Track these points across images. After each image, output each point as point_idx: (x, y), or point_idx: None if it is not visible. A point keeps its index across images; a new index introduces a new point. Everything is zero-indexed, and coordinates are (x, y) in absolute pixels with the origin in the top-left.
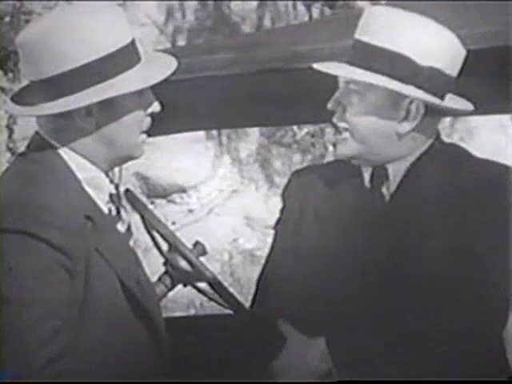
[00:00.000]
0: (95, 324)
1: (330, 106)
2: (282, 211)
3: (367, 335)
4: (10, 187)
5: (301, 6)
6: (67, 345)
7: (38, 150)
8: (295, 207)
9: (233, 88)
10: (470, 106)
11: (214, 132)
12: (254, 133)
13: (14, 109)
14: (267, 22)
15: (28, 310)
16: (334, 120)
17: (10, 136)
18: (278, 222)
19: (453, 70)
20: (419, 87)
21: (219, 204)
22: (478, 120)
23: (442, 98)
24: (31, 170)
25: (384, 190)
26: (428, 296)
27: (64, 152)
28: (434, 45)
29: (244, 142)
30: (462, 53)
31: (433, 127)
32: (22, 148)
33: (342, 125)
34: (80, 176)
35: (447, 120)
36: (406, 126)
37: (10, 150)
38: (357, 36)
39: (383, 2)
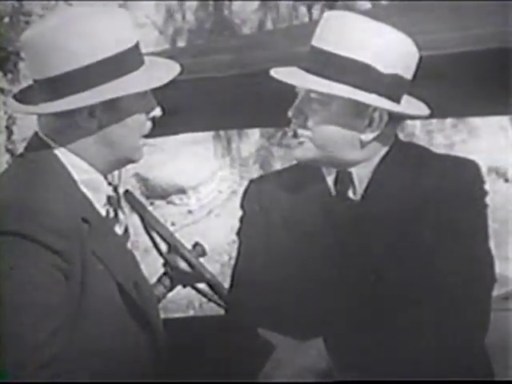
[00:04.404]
0: (92, 326)
1: (290, 114)
2: (241, 220)
3: (345, 336)
4: (7, 189)
5: (301, 7)
6: (65, 346)
7: (36, 151)
8: (258, 215)
9: (232, 89)
10: (426, 110)
11: (214, 133)
12: (254, 134)
13: (17, 107)
14: (268, 24)
15: (25, 312)
16: (295, 127)
17: (9, 137)
18: (240, 230)
19: (410, 74)
20: (381, 95)
21: (219, 205)
22: (479, 121)
23: (398, 101)
24: (29, 171)
25: (350, 194)
26: (407, 295)
27: (62, 154)
28: (395, 52)
29: (244, 143)
30: (417, 56)
31: (394, 130)
32: (21, 149)
33: (303, 132)
34: (78, 178)
35: (449, 121)
36: (369, 135)
37: (9, 151)
38: (315, 43)
39: (384, 3)
